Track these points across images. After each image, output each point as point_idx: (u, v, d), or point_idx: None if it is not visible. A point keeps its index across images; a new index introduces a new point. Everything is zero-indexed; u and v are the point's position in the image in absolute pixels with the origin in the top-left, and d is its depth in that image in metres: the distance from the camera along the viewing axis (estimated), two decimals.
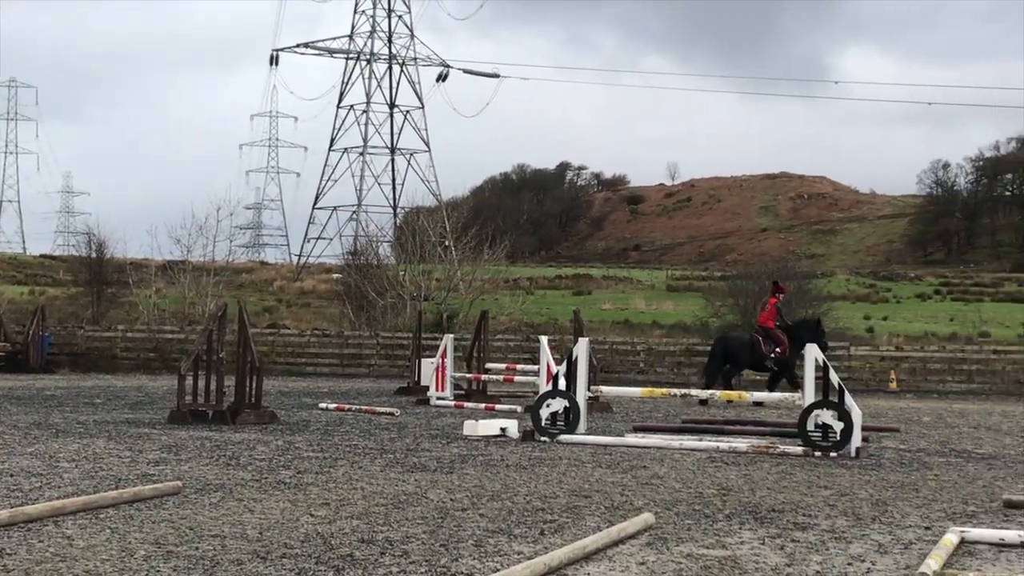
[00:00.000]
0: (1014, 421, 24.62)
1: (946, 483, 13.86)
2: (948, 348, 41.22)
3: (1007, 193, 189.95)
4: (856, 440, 16.60)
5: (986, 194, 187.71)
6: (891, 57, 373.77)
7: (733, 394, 20.96)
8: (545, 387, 20.70)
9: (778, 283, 31.53)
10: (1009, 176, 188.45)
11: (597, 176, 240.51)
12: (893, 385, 37.34)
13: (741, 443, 17.34)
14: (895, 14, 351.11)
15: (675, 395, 19.99)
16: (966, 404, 30.88)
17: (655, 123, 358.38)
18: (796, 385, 27.79)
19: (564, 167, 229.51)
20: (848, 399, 16.74)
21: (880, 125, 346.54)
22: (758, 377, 33.96)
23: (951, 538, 9.53)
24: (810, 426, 16.70)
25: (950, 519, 11.15)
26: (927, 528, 10.61)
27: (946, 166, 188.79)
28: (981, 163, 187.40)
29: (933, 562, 8.41)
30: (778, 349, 28.81)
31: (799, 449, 16.71)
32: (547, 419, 18.23)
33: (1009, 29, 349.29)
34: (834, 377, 16.87)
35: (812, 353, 17.21)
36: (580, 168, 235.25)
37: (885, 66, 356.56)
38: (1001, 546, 9.76)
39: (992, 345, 44.46)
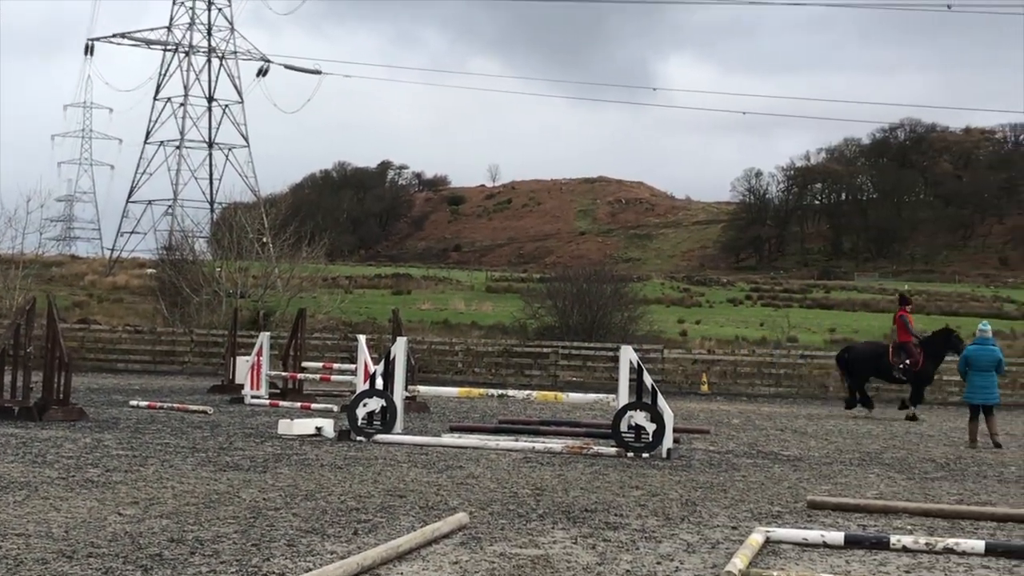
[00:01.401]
0: (819, 424, 25.35)
1: (753, 484, 14.19)
2: (758, 352, 42.18)
3: (816, 202, 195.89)
4: (668, 441, 16.90)
5: (796, 202, 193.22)
6: (709, 66, 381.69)
7: (549, 395, 21.12)
8: (362, 386, 20.60)
9: (903, 295, 31.30)
10: (818, 185, 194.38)
11: (419, 176, 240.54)
12: (705, 388, 38.09)
13: (556, 444, 17.50)
14: (713, 24, 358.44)
15: (492, 395, 20.09)
16: (774, 407, 31.67)
17: (479, 124, 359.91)
18: (914, 400, 28.51)
19: (386, 166, 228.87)
20: (661, 401, 17.03)
21: (697, 133, 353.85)
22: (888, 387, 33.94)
23: (757, 538, 9.77)
24: (624, 427, 16.94)
25: (756, 519, 11.43)
26: (734, 528, 10.85)
27: (759, 174, 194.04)
28: (792, 172, 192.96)
29: (739, 561, 8.60)
30: (908, 361, 28.24)
31: (613, 450, 16.93)
32: (363, 418, 18.14)
33: (823, 42, 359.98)
34: (648, 379, 17.14)
35: (627, 355, 17.45)
36: (402, 167, 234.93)
37: (704, 75, 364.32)
38: (804, 545, 10.03)
39: (800, 350, 45.70)
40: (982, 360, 21.02)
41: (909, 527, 11.27)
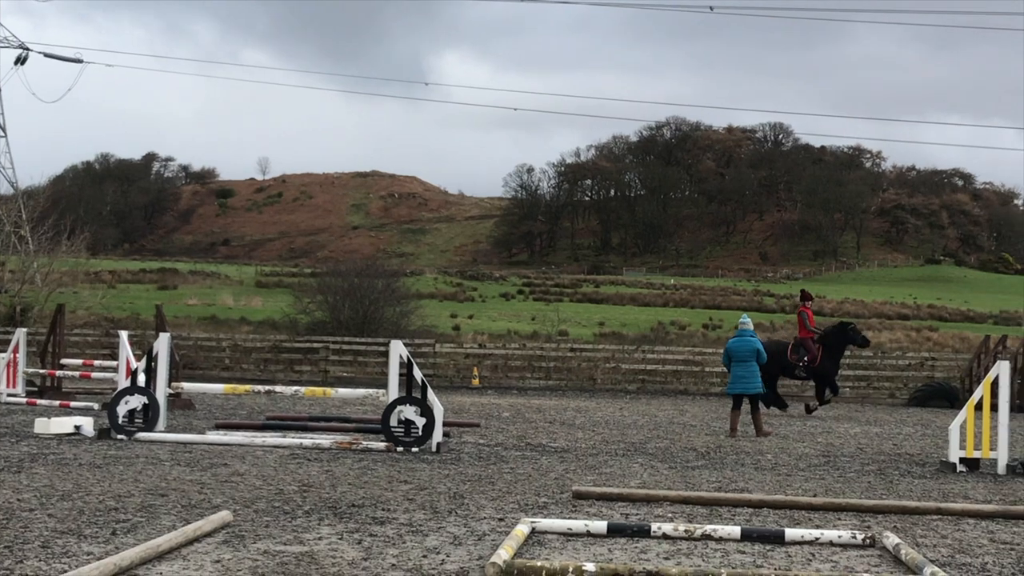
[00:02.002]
0: (587, 416, 25.78)
1: (521, 476, 14.32)
2: (528, 346, 42.71)
3: (586, 198, 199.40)
4: (438, 435, 16.92)
5: (567, 198, 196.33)
6: (484, 63, 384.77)
7: (318, 390, 20.92)
8: (124, 383, 20.03)
9: (804, 291, 30.42)
10: (588, 182, 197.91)
11: (185, 168, 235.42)
12: (476, 382, 38.36)
13: (325, 439, 17.35)
14: (487, 21, 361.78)
15: (260, 392, 19.79)
16: (544, 400, 32.10)
17: (249, 118, 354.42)
18: (822, 392, 28.51)
19: (151, 158, 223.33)
20: (431, 395, 17.04)
21: (471, 128, 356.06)
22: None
23: (523, 529, 9.84)
24: (393, 422, 16.90)
25: (523, 510, 11.52)
26: (501, 519, 10.92)
27: (530, 170, 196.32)
28: (563, 168, 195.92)
29: (504, 552, 8.64)
30: (806, 358, 28.04)
31: (382, 445, 16.88)
32: (124, 416, 17.65)
33: (591, 41, 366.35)
34: (417, 374, 17.13)
35: (396, 350, 17.41)
36: (168, 160, 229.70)
37: (478, 71, 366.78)
38: (569, 535, 10.16)
39: (569, 343, 46.47)
40: (741, 352, 21.73)
41: (670, 515, 11.53)
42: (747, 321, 22.48)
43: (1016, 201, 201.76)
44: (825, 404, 28.69)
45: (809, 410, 28.42)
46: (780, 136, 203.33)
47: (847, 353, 41.59)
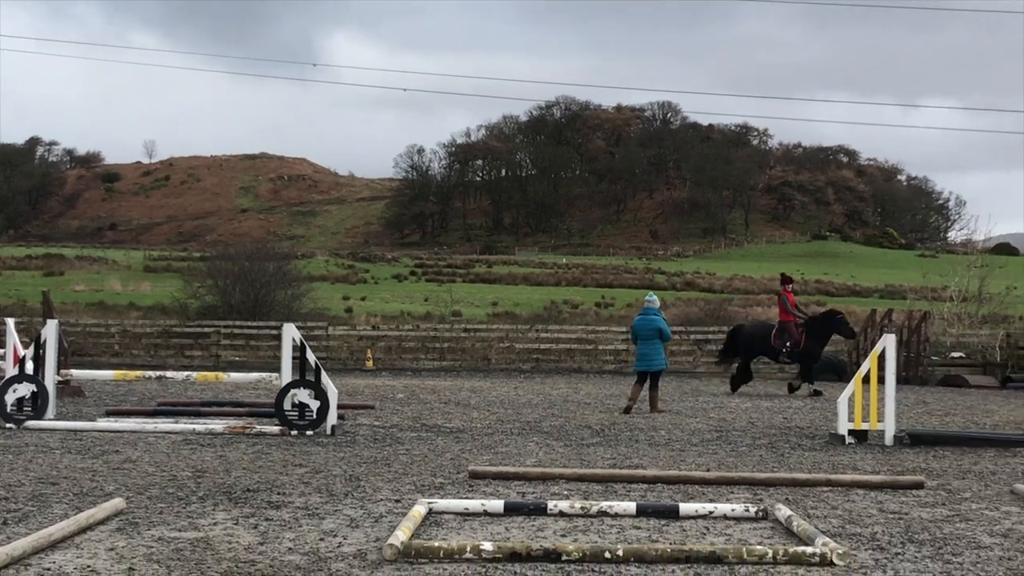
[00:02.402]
0: (481, 396, 25.83)
1: (417, 457, 14.32)
2: (422, 327, 42.63)
3: (477, 178, 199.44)
4: (332, 418, 16.85)
5: (458, 179, 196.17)
6: (374, 43, 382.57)
7: (210, 375, 20.73)
8: (11, 372, 19.64)
9: (784, 275, 29.96)
10: (479, 162, 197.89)
11: (70, 152, 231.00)
12: (370, 364, 38.21)
13: (218, 424, 17.19)
14: (377, 1, 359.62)
15: (151, 377, 19.53)
16: (438, 380, 32.10)
17: (135, 100, 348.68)
18: (806, 379, 28.00)
19: (35, 142, 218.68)
20: (325, 378, 16.96)
21: (361, 109, 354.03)
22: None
23: (419, 509, 9.85)
24: (287, 405, 16.79)
25: (419, 491, 11.53)
26: (397, 501, 10.92)
27: (421, 151, 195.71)
28: (454, 149, 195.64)
29: (401, 533, 8.64)
30: (788, 343, 27.66)
31: (276, 429, 16.76)
32: (13, 405, 17.33)
33: (482, 21, 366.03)
34: (311, 357, 17.03)
35: (289, 333, 17.29)
36: (52, 144, 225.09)
37: (369, 51, 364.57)
38: (466, 515, 10.19)
39: (463, 324, 46.50)
40: (645, 330, 22.01)
41: (566, 492, 11.61)
42: (653, 299, 22.69)
43: (899, 177, 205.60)
44: (814, 392, 27.59)
45: (792, 389, 28.24)
46: (669, 115, 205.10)
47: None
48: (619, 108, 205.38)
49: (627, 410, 21.70)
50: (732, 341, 29.68)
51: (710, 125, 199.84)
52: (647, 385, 22.03)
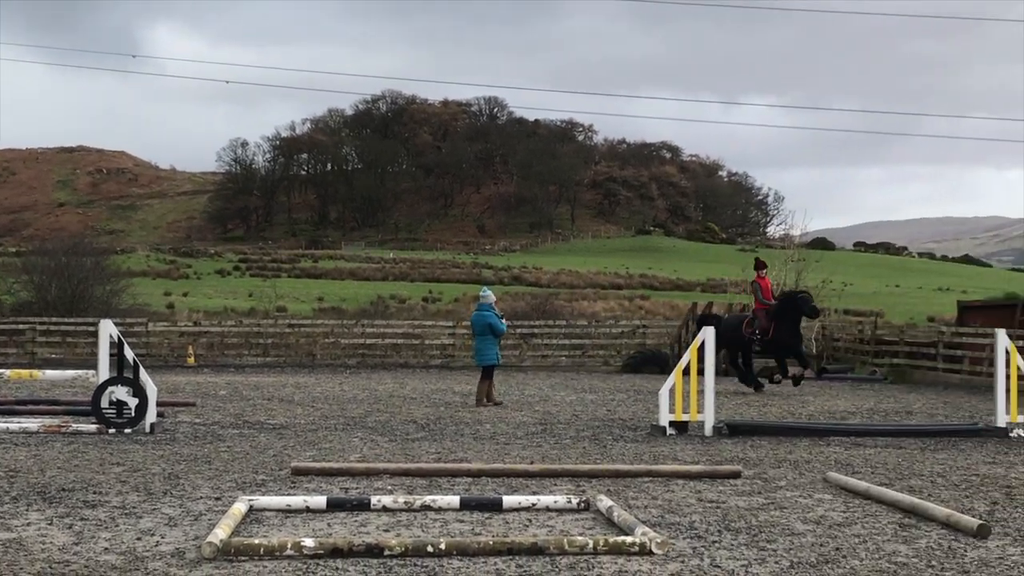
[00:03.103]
0: (306, 392, 25.58)
1: (238, 454, 14.11)
2: (245, 323, 42.05)
3: (303, 172, 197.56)
4: (151, 416, 16.52)
5: (283, 173, 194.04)
6: (198, 35, 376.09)
7: (25, 372, 20.13)
8: None
9: (758, 259, 28.45)
10: (305, 156, 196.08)
11: None
12: (191, 360, 37.57)
13: (32, 423, 16.70)
14: None
15: None
16: (262, 377, 31.68)
17: None
18: (782, 368, 26.83)
19: None
20: (143, 375, 16.61)
21: (183, 102, 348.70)
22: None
23: (240, 507, 9.70)
24: (104, 403, 16.38)
25: (240, 488, 11.36)
26: (218, 499, 10.74)
27: (244, 144, 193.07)
28: (278, 142, 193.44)
29: (220, 531, 8.51)
30: (758, 332, 26.24)
31: (93, 427, 16.36)
32: None
33: (309, 14, 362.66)
34: (129, 354, 16.65)
35: (106, 330, 16.88)
36: None
37: (193, 44, 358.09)
38: (287, 512, 10.08)
39: (287, 319, 46.03)
40: (477, 325, 22.31)
41: (390, 487, 11.56)
42: (486, 295, 22.88)
43: (720, 173, 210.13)
44: (798, 381, 26.53)
45: (772, 381, 27.18)
46: (495, 110, 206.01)
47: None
48: (445, 103, 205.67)
49: (478, 403, 21.87)
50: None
51: (536, 120, 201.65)
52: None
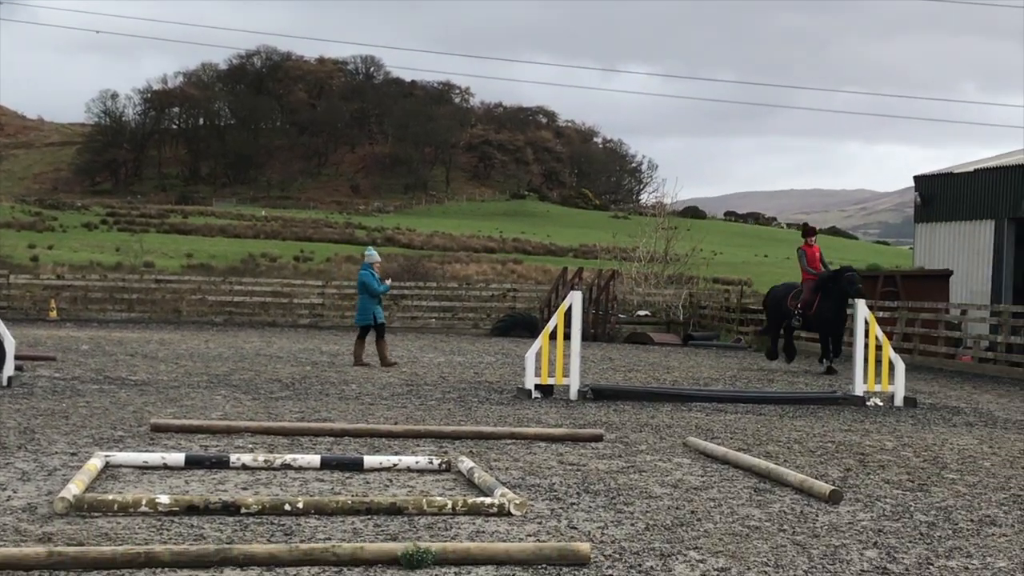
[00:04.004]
0: (170, 348, 25.21)
1: (97, 409, 13.87)
2: (111, 277, 41.27)
3: (174, 126, 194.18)
4: (9, 369, 16.14)
5: (154, 126, 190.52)
6: None
7: None
8: None
9: (806, 225, 26.10)
10: (176, 109, 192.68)
11: None
12: (53, 314, 36.77)
13: None
14: None
15: None
16: (126, 332, 31.14)
17: None
18: (825, 349, 24.21)
19: None
20: (1, 328, 16.22)
21: (52, 51, 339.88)
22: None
23: (95, 463, 9.54)
24: None
25: (98, 444, 11.17)
26: (74, 454, 10.55)
27: (115, 96, 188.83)
28: (149, 95, 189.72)
29: (74, 487, 8.36)
30: (799, 306, 24.09)
31: None
32: None
33: None
34: None
35: None
36: None
37: None
38: (144, 468, 9.94)
39: (154, 275, 45.29)
40: (358, 284, 22.36)
41: (251, 446, 11.46)
42: (369, 254, 23.16)
43: (596, 139, 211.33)
44: (830, 370, 23.86)
45: (828, 369, 24.05)
46: (372, 69, 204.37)
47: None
48: (322, 60, 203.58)
49: (355, 362, 22.01)
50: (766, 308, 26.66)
51: (413, 81, 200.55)
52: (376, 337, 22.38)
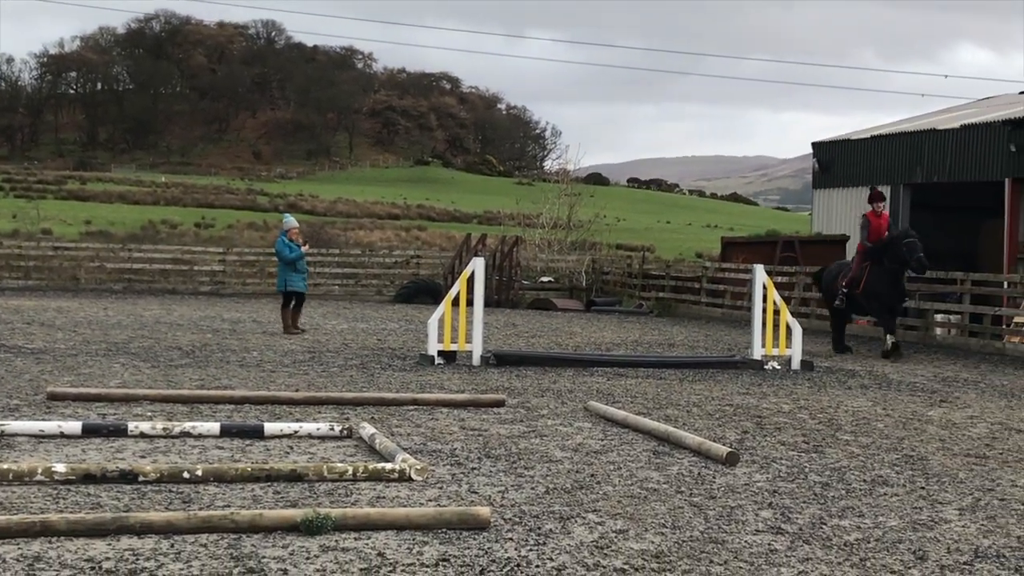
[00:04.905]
0: (68, 316, 24.83)
1: None
2: (6, 244, 40.53)
3: (71, 91, 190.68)
4: None
5: (50, 91, 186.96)
6: None
7: None
8: None
9: (875, 189, 22.06)
10: (74, 74, 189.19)
11: None
12: None
13: None
14: None
15: None
16: (22, 300, 30.60)
17: None
18: (888, 331, 20.82)
19: None
20: None
21: None
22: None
23: None
24: None
25: None
26: None
27: (10, 60, 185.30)
28: (46, 59, 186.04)
29: None
30: (844, 282, 21.02)
31: None
32: None
33: None
34: None
35: None
36: None
37: None
38: (40, 437, 9.81)
39: (52, 242, 44.53)
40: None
41: (149, 414, 11.35)
42: (286, 220, 23.57)
43: (499, 105, 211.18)
44: (892, 352, 20.43)
45: (886, 354, 20.55)
46: (273, 34, 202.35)
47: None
48: (222, 24, 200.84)
49: (285, 331, 21.99)
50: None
51: (315, 46, 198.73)
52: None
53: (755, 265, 19.90)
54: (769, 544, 7.13)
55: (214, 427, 10.20)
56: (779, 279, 27.84)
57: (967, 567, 6.78)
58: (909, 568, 6.71)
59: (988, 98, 42.88)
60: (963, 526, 7.80)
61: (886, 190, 34.29)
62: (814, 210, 39.03)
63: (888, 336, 20.71)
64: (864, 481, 9.21)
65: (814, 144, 38.62)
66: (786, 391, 15.23)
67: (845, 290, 20.99)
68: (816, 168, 38.26)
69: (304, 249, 22.58)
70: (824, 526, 7.66)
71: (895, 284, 20.76)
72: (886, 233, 20.87)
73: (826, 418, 12.72)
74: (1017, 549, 7.23)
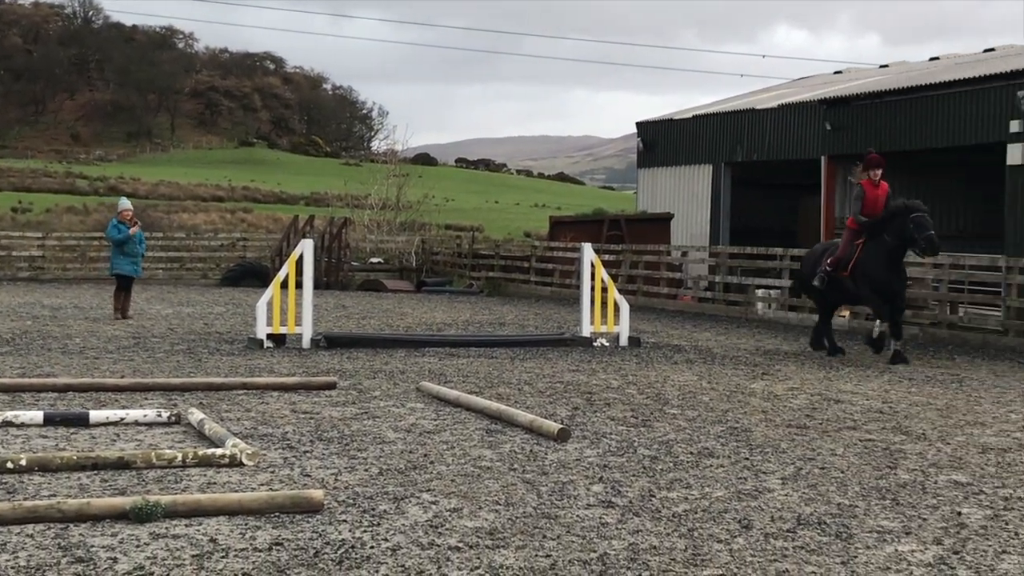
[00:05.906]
0: None
1: None
2: None
3: None
4: None
5: None
6: None
7: None
8: None
9: (872, 153, 18.00)
10: None
11: None
12: None
13: None
14: None
15: None
16: None
17: None
18: (879, 317, 17.41)
19: None
20: None
21: None
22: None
23: None
24: None
25: None
26: None
27: None
28: None
29: None
30: (828, 261, 17.61)
31: None
32: None
33: None
34: None
35: None
36: None
37: None
38: None
39: None
40: None
41: None
42: (121, 203, 22.93)
43: (325, 85, 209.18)
44: (890, 343, 17.13)
45: (875, 346, 17.53)
46: (91, 13, 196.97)
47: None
48: (36, 4, 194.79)
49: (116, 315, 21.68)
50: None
51: (134, 26, 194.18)
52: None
53: (583, 244, 20.15)
54: (600, 517, 7.25)
55: (37, 416, 9.95)
56: (606, 257, 28.22)
57: (790, 534, 6.99)
58: (735, 537, 6.89)
59: (804, 78, 44.00)
60: (786, 495, 8.04)
61: (708, 168, 35.02)
62: (639, 189, 39.62)
63: (893, 341, 17.04)
64: (691, 453, 9.42)
65: (638, 124, 39.18)
66: (615, 367, 15.46)
67: (829, 269, 17.48)
68: (640, 148, 38.83)
69: (133, 230, 22.01)
70: (653, 498, 7.81)
71: (893, 266, 17.16)
72: (884, 206, 17.31)
73: (653, 393, 12.96)
74: (837, 515, 7.48)
